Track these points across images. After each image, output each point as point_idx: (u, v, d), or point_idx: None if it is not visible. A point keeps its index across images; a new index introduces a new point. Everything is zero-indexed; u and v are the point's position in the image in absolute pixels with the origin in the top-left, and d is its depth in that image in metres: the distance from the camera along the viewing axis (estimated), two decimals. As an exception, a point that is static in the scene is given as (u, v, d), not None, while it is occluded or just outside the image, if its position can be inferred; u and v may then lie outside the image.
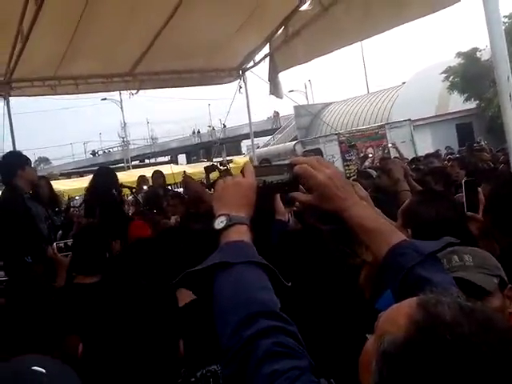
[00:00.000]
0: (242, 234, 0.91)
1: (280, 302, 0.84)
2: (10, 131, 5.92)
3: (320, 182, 0.96)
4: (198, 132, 40.91)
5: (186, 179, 3.84)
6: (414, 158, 6.66)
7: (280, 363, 0.73)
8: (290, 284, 0.89)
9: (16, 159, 3.63)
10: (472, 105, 21.18)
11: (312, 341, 0.89)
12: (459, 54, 21.17)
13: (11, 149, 5.91)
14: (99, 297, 1.40)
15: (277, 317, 0.79)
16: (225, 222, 0.92)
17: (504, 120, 2.52)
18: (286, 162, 1.06)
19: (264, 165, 1.18)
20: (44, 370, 0.73)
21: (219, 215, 0.94)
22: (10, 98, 5.91)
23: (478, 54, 20.03)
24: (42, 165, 49.50)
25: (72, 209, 6.14)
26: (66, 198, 9.68)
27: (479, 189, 1.89)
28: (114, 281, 1.92)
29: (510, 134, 2.52)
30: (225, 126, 26.74)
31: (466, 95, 20.98)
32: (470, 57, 20.63)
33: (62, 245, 2.64)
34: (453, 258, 1.25)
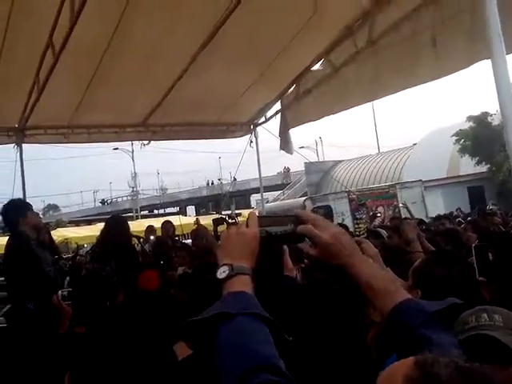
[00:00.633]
0: (244, 284, 0.92)
1: (280, 355, 0.83)
2: (20, 177, 5.99)
3: (325, 240, 0.97)
4: (212, 183, 41.45)
5: (199, 227, 3.86)
6: (421, 220, 6.58)
7: None
8: (291, 338, 0.88)
9: (16, 208, 3.66)
10: (483, 168, 21.34)
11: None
12: (470, 118, 21.64)
13: (21, 194, 5.98)
14: (82, 348, 1.38)
15: (276, 372, 0.79)
16: (227, 272, 0.93)
17: None
18: (291, 213, 1.06)
19: (269, 215, 1.11)
20: None
21: (222, 265, 0.95)
22: (23, 145, 6.01)
23: (489, 119, 20.43)
24: (50, 212, 50.22)
25: (79, 257, 6.04)
26: (75, 245, 9.61)
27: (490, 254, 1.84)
28: (99, 333, 1.80)
29: None
30: (235, 180, 27.13)
31: (476, 159, 21.20)
32: (481, 121, 21.07)
33: (65, 293, 2.62)
34: (482, 316, 1.22)
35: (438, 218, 7.65)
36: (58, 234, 12.89)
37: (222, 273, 0.93)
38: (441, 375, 0.64)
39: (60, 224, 22.97)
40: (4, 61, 4.30)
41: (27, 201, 5.70)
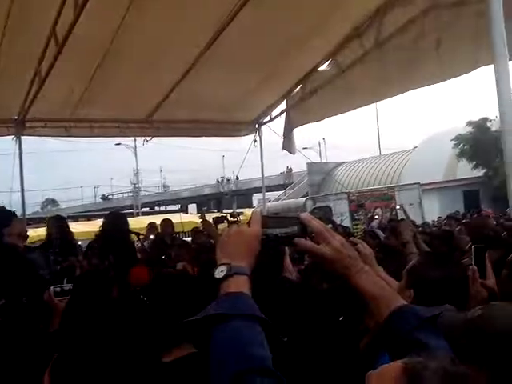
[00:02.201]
0: (241, 285, 0.91)
1: (275, 356, 0.83)
2: (19, 170, 5.94)
3: (334, 246, 0.98)
4: (222, 181, 40.77)
5: (204, 222, 3.89)
6: (412, 223, 6.70)
7: None
8: (285, 339, 0.84)
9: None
10: (479, 173, 21.46)
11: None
12: (470, 123, 21.71)
13: (19, 188, 5.94)
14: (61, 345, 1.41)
15: (270, 374, 0.79)
16: (225, 272, 0.92)
17: (508, 188, 2.57)
18: (295, 215, 1.06)
19: (272, 215, 1.13)
20: None
21: (220, 264, 0.94)
22: (22, 138, 5.92)
23: (488, 124, 20.49)
24: (49, 206, 49.96)
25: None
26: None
27: (486, 255, 1.89)
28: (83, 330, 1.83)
29: None
30: (237, 179, 27.08)
31: (474, 163, 21.31)
32: (480, 126, 21.13)
33: (58, 289, 2.60)
34: None
35: (448, 217, 7.74)
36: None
37: (219, 272, 0.92)
38: (429, 380, 0.65)
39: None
40: (5, 50, 4.21)
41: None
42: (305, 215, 1.03)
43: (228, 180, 37.57)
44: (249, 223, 1.00)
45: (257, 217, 1.01)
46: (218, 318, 0.85)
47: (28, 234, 3.83)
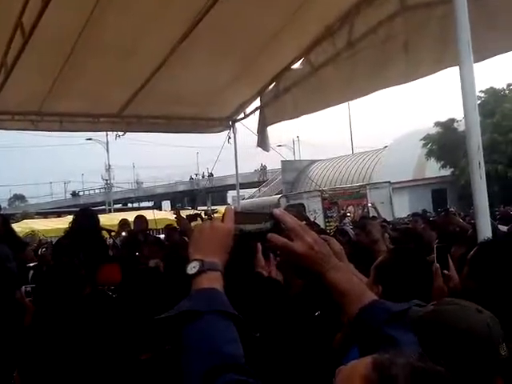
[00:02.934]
0: (213, 281, 0.91)
1: (248, 352, 0.84)
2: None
3: (307, 242, 0.98)
4: (197, 178, 40.17)
5: (179, 218, 3.86)
6: (384, 220, 6.84)
7: None
8: (258, 335, 0.91)
9: None
10: (447, 172, 22.23)
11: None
12: (437, 124, 22.42)
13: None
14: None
15: (241, 370, 0.79)
16: (197, 268, 0.92)
17: (472, 186, 2.64)
18: (268, 211, 1.06)
19: (245, 212, 1.14)
20: None
21: (193, 260, 0.93)
22: None
23: (456, 125, 21.22)
24: (17, 202, 48.30)
25: (43, 250, 5.84)
26: (43, 237, 9.33)
27: (448, 255, 1.93)
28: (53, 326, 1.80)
29: (478, 200, 2.60)
30: (212, 175, 26.94)
31: (441, 163, 22.04)
32: (448, 127, 21.88)
33: (29, 289, 2.58)
34: None
35: (413, 215, 7.95)
36: (23, 226, 12.44)
37: (192, 268, 0.92)
38: (398, 377, 0.66)
39: (27, 215, 22.19)
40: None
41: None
42: (278, 211, 1.03)
43: (203, 176, 37.27)
44: (222, 219, 1.00)
45: (230, 213, 1.00)
46: (189, 315, 0.84)
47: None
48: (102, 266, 3.70)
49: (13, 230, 4.65)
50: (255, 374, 0.80)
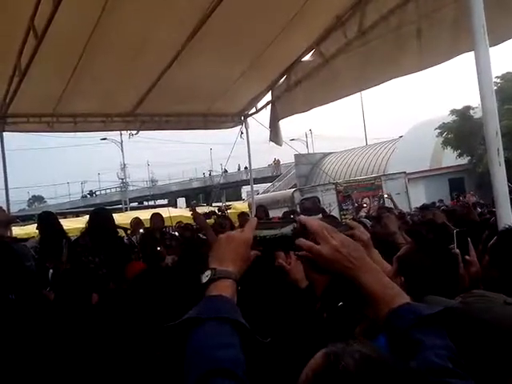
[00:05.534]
0: (223, 288, 0.92)
1: (253, 357, 0.84)
2: (2, 168, 5.81)
3: (333, 245, 0.97)
4: (210, 174, 40.39)
5: (195, 214, 3.90)
6: (401, 212, 6.66)
7: None
8: (267, 340, 0.89)
9: None
10: (464, 161, 21.79)
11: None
12: (453, 112, 21.94)
13: (3, 185, 5.83)
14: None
15: (231, 376, 0.79)
16: (209, 276, 0.94)
17: (491, 174, 2.59)
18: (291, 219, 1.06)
19: (266, 221, 1.14)
20: None
21: (208, 269, 0.96)
22: (5, 134, 5.79)
23: (471, 112, 20.75)
24: (36, 203, 49.25)
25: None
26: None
27: (469, 239, 1.89)
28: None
29: (497, 187, 2.55)
30: (226, 171, 27.02)
31: (458, 151, 21.60)
32: (463, 114, 21.40)
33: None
34: None
35: (424, 207, 7.78)
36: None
37: (205, 277, 0.94)
38: (347, 365, 0.67)
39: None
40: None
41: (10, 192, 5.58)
42: (303, 217, 1.04)
43: (210, 174, 37.21)
44: (242, 227, 1.02)
45: (252, 223, 1.02)
46: (192, 322, 0.86)
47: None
48: (127, 264, 3.74)
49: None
50: (247, 379, 0.80)
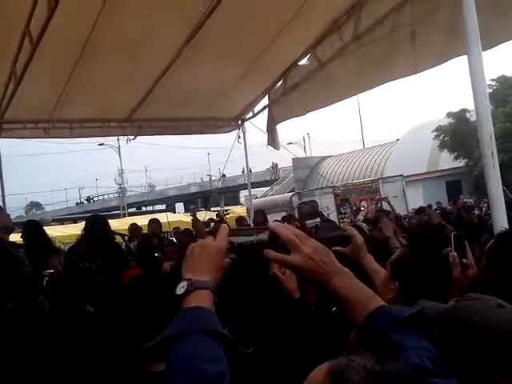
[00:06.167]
0: (201, 299, 0.90)
1: (238, 368, 0.82)
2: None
3: (305, 253, 0.95)
4: (209, 178, 40.29)
5: (195, 220, 3.91)
6: (398, 215, 6.67)
7: None
8: (250, 350, 0.88)
9: None
10: (461, 163, 21.91)
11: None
12: (450, 114, 22.06)
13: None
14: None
15: None
16: (185, 288, 0.91)
17: (486, 176, 2.60)
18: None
19: (241, 228, 1.14)
20: None
21: (182, 279, 0.93)
22: (0, 140, 5.76)
23: (468, 115, 20.86)
24: (33, 210, 49.08)
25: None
26: (59, 244, 9.50)
27: (466, 242, 1.89)
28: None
29: (492, 190, 2.56)
30: (224, 176, 26.98)
31: (455, 154, 21.71)
32: (460, 117, 21.51)
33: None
34: None
35: (420, 210, 7.79)
36: (42, 233, 12.61)
37: (180, 288, 0.91)
38: (353, 382, 0.66)
39: (44, 222, 22.49)
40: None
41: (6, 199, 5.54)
42: (273, 224, 1.02)
43: (210, 178, 37.15)
44: (214, 236, 0.99)
45: (224, 230, 1.00)
46: (172, 338, 0.84)
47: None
48: (125, 270, 3.71)
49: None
50: None
